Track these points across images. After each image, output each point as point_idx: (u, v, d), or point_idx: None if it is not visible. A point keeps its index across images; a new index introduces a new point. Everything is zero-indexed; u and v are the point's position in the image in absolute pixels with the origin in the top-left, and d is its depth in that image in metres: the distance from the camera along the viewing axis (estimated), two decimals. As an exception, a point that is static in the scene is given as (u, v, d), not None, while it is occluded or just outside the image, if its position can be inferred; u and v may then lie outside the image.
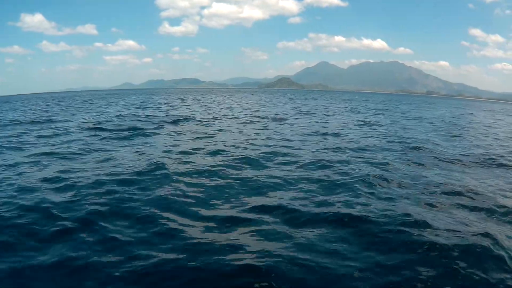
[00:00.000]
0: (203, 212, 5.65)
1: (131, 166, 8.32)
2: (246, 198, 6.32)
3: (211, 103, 39.11)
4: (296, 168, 8.48)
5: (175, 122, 18.26)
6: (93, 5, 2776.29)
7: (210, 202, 6.11)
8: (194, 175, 7.76)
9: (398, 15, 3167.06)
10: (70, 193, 6.39)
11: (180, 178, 7.45)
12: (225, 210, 5.74)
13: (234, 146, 11.33)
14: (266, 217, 5.41)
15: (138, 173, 7.69)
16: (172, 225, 5.10)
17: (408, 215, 5.45)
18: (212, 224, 5.20)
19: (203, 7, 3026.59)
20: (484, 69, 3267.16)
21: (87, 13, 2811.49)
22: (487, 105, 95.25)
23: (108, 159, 9.34)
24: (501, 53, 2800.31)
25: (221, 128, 16.25)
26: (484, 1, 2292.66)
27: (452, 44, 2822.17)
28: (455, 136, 16.08)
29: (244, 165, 8.68)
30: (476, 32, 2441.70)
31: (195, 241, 4.64)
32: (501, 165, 9.74)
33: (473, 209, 6.05)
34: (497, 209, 6.04)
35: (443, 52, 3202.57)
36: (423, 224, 5.12)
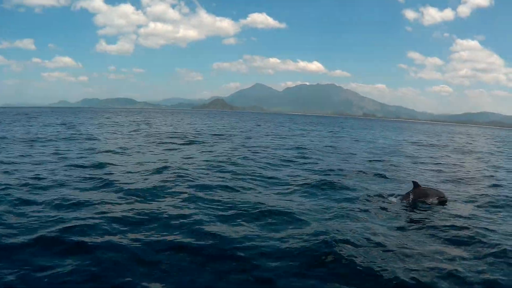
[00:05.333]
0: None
1: None
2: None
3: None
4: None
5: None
6: (32, 19, 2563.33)
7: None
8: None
9: (336, 37, 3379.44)
10: None
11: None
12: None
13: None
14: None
15: None
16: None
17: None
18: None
19: (139, 26, 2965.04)
20: (422, 91, 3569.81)
21: (26, 27, 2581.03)
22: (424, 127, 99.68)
23: None
24: (439, 75, 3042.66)
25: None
26: (422, 24, 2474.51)
27: (389, 67, 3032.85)
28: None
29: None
30: (414, 55, 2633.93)
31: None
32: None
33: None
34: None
35: (380, 74, 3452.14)
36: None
